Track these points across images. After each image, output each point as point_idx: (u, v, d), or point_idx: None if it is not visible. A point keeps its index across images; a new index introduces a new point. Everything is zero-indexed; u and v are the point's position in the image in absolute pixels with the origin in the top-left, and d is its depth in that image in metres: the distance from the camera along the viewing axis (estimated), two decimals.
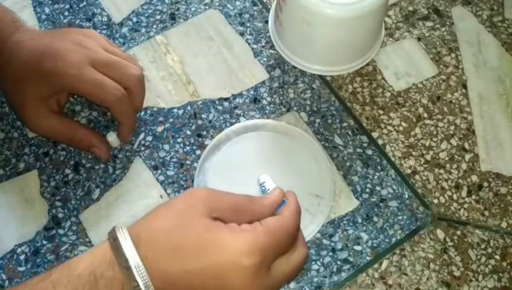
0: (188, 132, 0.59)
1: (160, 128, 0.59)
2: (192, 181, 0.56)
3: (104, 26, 0.64)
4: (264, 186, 0.50)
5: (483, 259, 0.54)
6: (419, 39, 0.65)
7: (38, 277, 0.38)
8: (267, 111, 0.60)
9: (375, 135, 0.60)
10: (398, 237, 0.55)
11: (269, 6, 0.66)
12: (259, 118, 0.60)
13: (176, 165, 0.57)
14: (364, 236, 0.55)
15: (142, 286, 0.37)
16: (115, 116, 0.57)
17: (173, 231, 0.39)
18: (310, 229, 0.54)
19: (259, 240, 0.39)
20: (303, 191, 0.56)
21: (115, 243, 0.38)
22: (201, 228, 0.39)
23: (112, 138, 0.57)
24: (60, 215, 0.55)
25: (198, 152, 0.58)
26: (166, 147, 0.58)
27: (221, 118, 0.60)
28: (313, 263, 0.54)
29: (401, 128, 0.60)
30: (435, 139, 0.60)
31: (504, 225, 0.56)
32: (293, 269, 0.42)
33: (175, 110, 0.60)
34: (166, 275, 0.38)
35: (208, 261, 0.38)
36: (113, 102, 0.54)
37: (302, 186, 0.56)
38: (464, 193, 0.57)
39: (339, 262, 0.54)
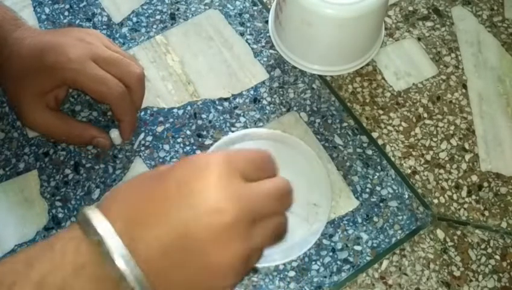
0: (188, 132, 0.59)
1: (160, 128, 0.59)
2: None
3: (104, 26, 0.64)
4: None
5: (483, 259, 0.54)
6: (419, 39, 0.65)
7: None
8: (267, 111, 0.60)
9: (375, 135, 0.60)
10: (398, 237, 0.55)
11: (269, 6, 0.66)
12: (259, 118, 0.60)
13: None
14: (364, 236, 0.55)
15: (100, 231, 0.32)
16: (115, 114, 0.56)
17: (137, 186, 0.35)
18: (308, 240, 0.54)
19: (223, 155, 0.35)
20: (300, 200, 0.55)
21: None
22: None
23: (115, 134, 0.57)
24: (60, 215, 0.55)
25: (198, 152, 0.58)
26: (166, 147, 0.58)
27: (221, 118, 0.60)
28: (313, 263, 0.54)
29: (401, 128, 0.60)
30: (435, 139, 0.60)
31: (504, 225, 0.56)
32: (279, 227, 0.38)
33: (175, 110, 0.60)
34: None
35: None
36: (115, 98, 0.54)
37: (299, 195, 0.55)
38: (463, 193, 0.57)
39: (339, 262, 0.54)
